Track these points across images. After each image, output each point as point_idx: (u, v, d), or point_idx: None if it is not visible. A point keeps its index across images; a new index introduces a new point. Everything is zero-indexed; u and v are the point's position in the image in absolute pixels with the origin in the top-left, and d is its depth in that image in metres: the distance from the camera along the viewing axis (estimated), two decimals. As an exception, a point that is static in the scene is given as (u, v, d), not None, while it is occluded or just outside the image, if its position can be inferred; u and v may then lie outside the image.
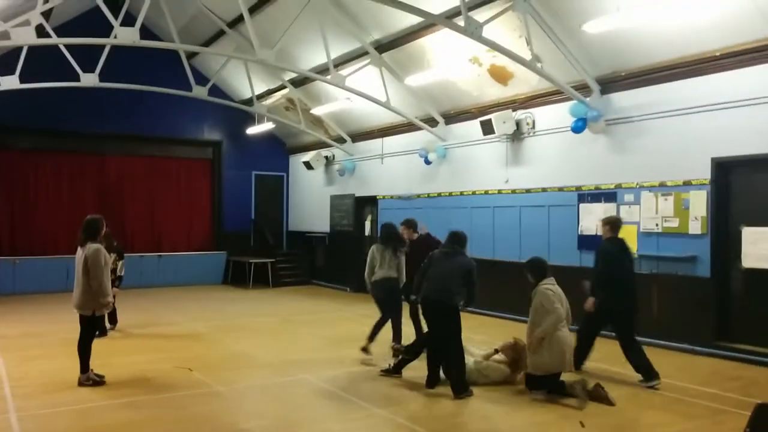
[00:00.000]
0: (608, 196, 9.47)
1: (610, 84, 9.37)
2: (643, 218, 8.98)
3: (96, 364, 6.77)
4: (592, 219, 9.64)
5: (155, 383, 6.81)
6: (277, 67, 12.90)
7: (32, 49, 11.06)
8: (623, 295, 6.91)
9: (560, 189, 10.22)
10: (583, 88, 9.58)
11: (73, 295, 6.71)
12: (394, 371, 7.04)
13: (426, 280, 6.68)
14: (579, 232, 9.86)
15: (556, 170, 10.32)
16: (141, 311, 11.71)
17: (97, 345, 6.83)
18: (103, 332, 9.05)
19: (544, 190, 10.50)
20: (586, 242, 9.72)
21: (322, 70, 12.37)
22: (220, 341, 9.33)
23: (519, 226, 10.90)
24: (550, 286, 6.51)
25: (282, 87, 15.02)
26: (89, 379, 6.61)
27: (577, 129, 9.56)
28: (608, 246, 7.16)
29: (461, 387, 6.34)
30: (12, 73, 11.17)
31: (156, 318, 11.22)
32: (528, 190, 10.79)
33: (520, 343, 6.80)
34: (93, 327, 6.83)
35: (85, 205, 15.59)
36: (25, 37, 9.17)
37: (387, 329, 8.16)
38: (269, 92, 15.61)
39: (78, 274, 6.63)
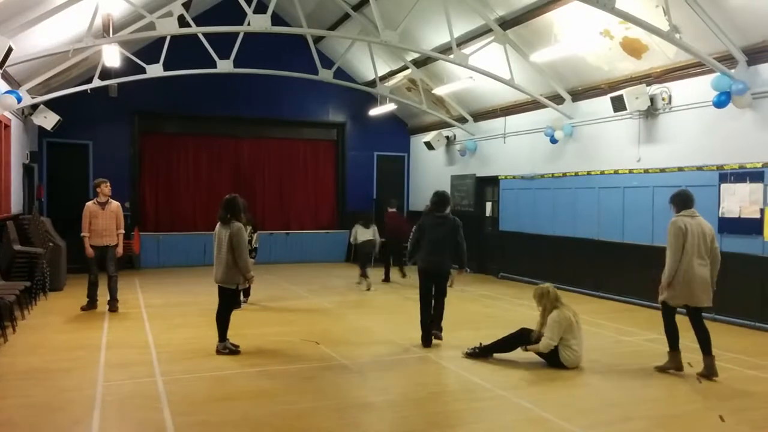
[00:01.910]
0: (754, 175, 8.64)
1: (759, 54, 8.50)
2: (798, 200, 8.13)
3: (231, 334, 7.21)
4: (735, 200, 8.87)
5: (285, 354, 7.16)
6: (400, 48, 12.94)
7: (174, 38, 11.84)
8: None
9: (699, 168, 9.47)
10: (727, 60, 8.77)
11: (214, 270, 7.12)
12: (481, 354, 6.96)
13: (423, 247, 7.59)
14: (720, 214, 9.09)
15: (694, 148, 9.56)
16: (271, 286, 12.34)
17: (232, 316, 7.25)
18: (238, 305, 9.61)
19: (680, 169, 9.78)
20: (728, 225, 8.96)
21: (445, 50, 12.25)
22: (344, 316, 9.63)
23: (652, 207, 10.24)
24: (683, 217, 6.43)
25: (404, 68, 15.07)
26: (226, 347, 7.05)
27: (720, 103, 8.77)
28: None
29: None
30: (157, 61, 12.05)
31: (284, 293, 11.78)
32: (662, 170, 10.10)
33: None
34: (233, 300, 7.26)
35: (221, 186, 16.71)
36: (168, 27, 9.82)
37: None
38: (392, 73, 15.71)
39: (221, 250, 7.00)
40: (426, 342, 7.59)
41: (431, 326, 7.65)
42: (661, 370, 6.54)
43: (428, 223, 7.76)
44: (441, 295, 7.77)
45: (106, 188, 9.63)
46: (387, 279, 13.32)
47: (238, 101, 16.34)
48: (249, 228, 9.55)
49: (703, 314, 6.58)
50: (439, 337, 7.69)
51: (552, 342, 6.58)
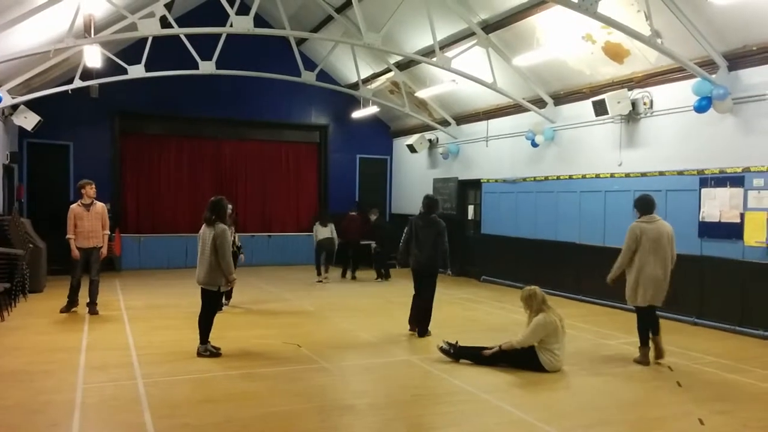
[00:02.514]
0: (734, 180, 8.78)
1: (740, 59, 8.65)
2: (775, 205, 8.28)
3: (213, 337, 7.17)
4: (715, 205, 9.00)
5: (266, 357, 7.12)
6: (383, 51, 12.97)
7: (156, 39, 11.75)
8: None
9: (680, 173, 9.60)
10: (708, 65, 8.92)
11: (197, 272, 7.09)
12: (455, 354, 6.98)
13: (412, 248, 8.18)
14: (700, 218, 9.23)
15: (675, 153, 9.70)
16: (252, 288, 12.28)
17: (214, 319, 7.20)
18: (219, 307, 9.55)
19: (661, 173, 9.90)
20: (708, 230, 9.10)
21: (428, 53, 12.31)
22: (326, 319, 9.61)
23: (632, 211, 10.32)
24: (640, 223, 7.04)
25: (387, 70, 15.11)
26: (207, 350, 7.01)
27: (701, 108, 8.91)
28: None
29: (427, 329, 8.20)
30: (138, 62, 11.95)
31: (266, 295, 11.72)
32: (643, 174, 10.22)
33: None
34: (215, 302, 7.21)
35: (203, 187, 16.64)
36: (150, 27, 9.74)
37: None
38: (374, 76, 15.75)
39: (204, 251, 6.97)
40: (414, 328, 8.36)
41: (418, 318, 8.30)
42: (637, 362, 7.07)
43: (417, 226, 8.29)
44: (428, 293, 8.24)
45: (90, 190, 9.55)
46: (345, 276, 14.39)
47: (220, 103, 16.26)
48: (232, 228, 9.54)
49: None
50: (423, 334, 8.15)
51: (529, 341, 6.61)
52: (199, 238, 7.12)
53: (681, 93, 9.38)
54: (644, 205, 7.21)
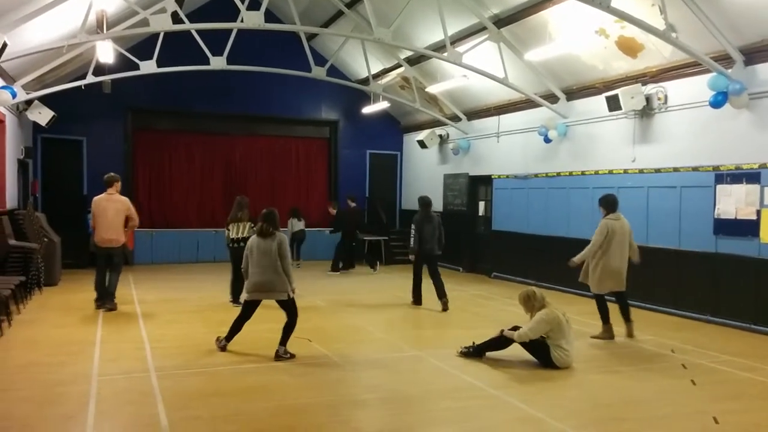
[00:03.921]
0: (751, 176, 8.67)
1: (756, 54, 8.53)
2: (791, 201, 8.19)
3: (222, 331, 7.19)
4: (731, 202, 8.91)
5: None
6: (393, 46, 12.94)
7: (167, 34, 11.80)
8: None
9: (694, 169, 9.50)
10: (723, 59, 8.81)
11: (261, 285, 6.80)
12: (475, 353, 6.98)
13: (423, 237, 10.08)
14: (715, 215, 9.14)
15: (690, 148, 9.60)
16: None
17: (226, 313, 7.23)
18: (237, 301, 9.54)
19: (675, 169, 9.82)
20: (723, 227, 9.00)
21: (439, 48, 12.27)
22: (336, 314, 9.63)
23: (646, 207, 10.28)
24: (610, 220, 7.89)
25: (398, 66, 15.07)
26: (287, 352, 6.85)
27: (716, 104, 8.81)
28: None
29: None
30: (150, 58, 12.00)
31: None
32: (657, 170, 10.14)
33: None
34: (295, 306, 7.00)
35: (214, 183, 16.74)
36: (162, 23, 9.78)
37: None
38: (385, 71, 15.71)
39: (268, 262, 6.76)
40: (417, 301, 10.35)
41: (441, 293, 10.07)
42: (597, 337, 7.95)
43: (421, 222, 10.16)
44: (436, 271, 10.13)
45: (119, 185, 9.53)
46: (342, 269, 14.72)
47: (231, 98, 16.30)
48: (249, 224, 9.59)
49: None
50: (445, 304, 9.93)
51: (530, 334, 6.60)
52: (253, 251, 6.87)
53: (696, 88, 9.28)
54: (610, 204, 8.03)
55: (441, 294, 10.02)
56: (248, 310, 7.05)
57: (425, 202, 10.41)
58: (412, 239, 10.21)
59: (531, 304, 6.78)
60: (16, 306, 8.95)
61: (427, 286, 10.22)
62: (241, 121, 16.98)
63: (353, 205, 15.45)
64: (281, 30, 13.41)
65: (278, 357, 6.78)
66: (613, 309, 8.13)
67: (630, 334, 8.03)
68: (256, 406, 5.34)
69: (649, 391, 5.99)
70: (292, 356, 6.83)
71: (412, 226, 10.21)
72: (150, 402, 5.32)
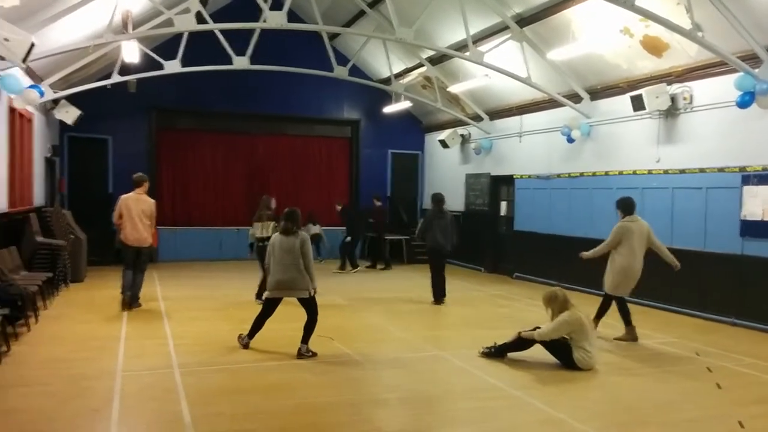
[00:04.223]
0: (778, 177, 8.53)
1: (785, 53, 8.39)
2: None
3: (244, 329, 7.23)
4: (758, 203, 8.75)
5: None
6: (415, 46, 12.92)
7: (191, 34, 11.91)
8: None
9: (720, 170, 9.36)
10: (750, 59, 8.65)
11: (283, 283, 6.86)
12: (497, 353, 6.94)
13: (432, 234, 10.38)
14: (742, 217, 8.99)
15: (716, 149, 9.46)
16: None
17: (250, 311, 7.28)
18: (260, 297, 9.59)
19: (701, 170, 9.67)
20: (750, 228, 8.85)
21: (461, 47, 12.22)
22: (357, 313, 9.66)
23: (671, 209, 10.15)
24: (628, 222, 7.92)
25: (419, 65, 15.05)
26: (309, 350, 6.89)
27: (743, 104, 8.65)
28: None
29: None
30: (174, 57, 12.13)
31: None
32: (682, 171, 10.00)
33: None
34: (315, 305, 7.05)
35: (236, 181, 16.86)
36: (186, 23, 9.89)
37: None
38: (407, 71, 15.70)
39: (290, 260, 6.80)
40: (438, 300, 10.46)
41: (440, 291, 10.48)
42: (620, 339, 7.91)
43: (432, 218, 10.58)
44: (442, 268, 10.63)
45: (147, 186, 9.54)
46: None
47: (254, 98, 16.41)
48: (273, 224, 9.67)
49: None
50: (440, 300, 10.41)
51: (551, 334, 6.57)
52: (276, 248, 6.91)
53: (722, 88, 9.13)
54: (628, 207, 8.07)
55: (442, 285, 10.51)
56: (270, 307, 7.11)
57: (437, 198, 10.72)
58: (417, 231, 10.96)
59: (554, 305, 6.75)
60: (43, 302, 9.12)
61: (451, 286, 10.50)
62: (264, 121, 17.09)
63: (379, 204, 15.55)
64: (304, 30, 13.48)
65: (300, 355, 6.82)
66: (613, 310, 8.14)
67: (631, 338, 7.98)
68: (278, 403, 5.38)
69: (673, 394, 5.93)
70: (314, 354, 6.87)
71: (421, 221, 10.89)
72: (173, 398, 5.39)
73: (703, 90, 9.67)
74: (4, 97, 9.41)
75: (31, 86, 10.38)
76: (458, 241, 10.64)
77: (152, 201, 9.57)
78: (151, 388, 5.68)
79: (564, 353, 6.58)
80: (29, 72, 10.54)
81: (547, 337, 6.61)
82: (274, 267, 6.94)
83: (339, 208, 15.31)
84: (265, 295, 7.19)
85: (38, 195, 12.31)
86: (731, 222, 9.11)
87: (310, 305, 7.01)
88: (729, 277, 9.11)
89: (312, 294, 6.98)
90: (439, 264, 10.54)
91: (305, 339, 6.94)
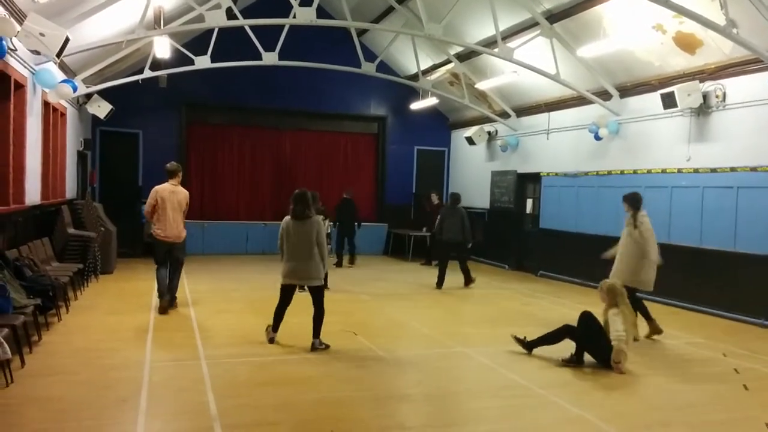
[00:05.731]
0: (813, 178, 8.33)
1: (823, 50, 8.18)
2: None
3: (270, 322, 7.30)
4: (791, 203, 8.57)
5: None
6: (443, 42, 12.88)
7: (221, 30, 12.04)
8: None
9: (753, 169, 9.17)
10: (787, 56, 8.47)
11: (297, 271, 6.86)
12: (526, 346, 6.98)
13: (445, 228, 11.70)
14: (774, 217, 8.81)
15: (749, 148, 9.26)
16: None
17: (275, 304, 7.32)
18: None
19: (733, 169, 9.49)
20: (782, 229, 8.67)
21: (489, 43, 12.15)
22: (381, 309, 9.69)
23: (701, 208, 9.98)
24: (646, 216, 7.92)
25: (447, 62, 15.00)
26: (322, 343, 6.96)
27: (778, 102, 8.48)
28: None
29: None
30: (205, 53, 12.28)
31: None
32: (713, 170, 9.83)
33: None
34: (323, 295, 7.11)
35: (264, 176, 17.03)
36: (216, 19, 10.01)
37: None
38: (434, 67, 15.66)
39: (306, 246, 6.79)
40: (439, 285, 11.59)
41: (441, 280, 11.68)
42: (650, 336, 7.91)
43: (446, 214, 11.88)
44: (463, 259, 11.86)
45: (181, 176, 8.95)
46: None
47: (282, 93, 16.52)
48: (320, 218, 9.71)
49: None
50: (471, 282, 11.75)
51: (624, 335, 6.48)
52: (290, 234, 6.86)
53: (757, 85, 8.97)
54: (638, 201, 8.09)
55: (440, 282, 11.58)
56: (286, 295, 7.15)
57: (454, 198, 12.22)
58: (435, 227, 12.21)
59: (614, 299, 6.68)
60: (74, 292, 9.33)
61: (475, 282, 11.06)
62: (291, 116, 17.21)
63: (436, 201, 15.50)
64: (332, 26, 13.52)
65: (314, 348, 6.89)
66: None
67: (656, 331, 8.01)
68: (303, 396, 5.44)
69: (699, 395, 5.85)
70: (327, 347, 6.93)
71: (437, 218, 12.14)
72: (200, 389, 5.48)
73: (736, 87, 9.48)
74: (39, 91, 9.63)
75: (65, 81, 10.58)
76: (475, 236, 11.17)
77: (186, 192, 8.95)
78: (179, 379, 5.78)
79: (605, 353, 6.49)
80: (63, 67, 10.76)
81: (623, 339, 6.48)
82: (287, 254, 6.94)
83: (435, 201, 15.48)
84: (280, 282, 7.18)
85: (70, 188, 12.58)
86: (763, 222, 8.92)
87: (319, 293, 7.05)
88: (759, 279, 8.93)
89: (324, 281, 7.08)
90: (449, 256, 11.70)
91: (316, 333, 7.00)
